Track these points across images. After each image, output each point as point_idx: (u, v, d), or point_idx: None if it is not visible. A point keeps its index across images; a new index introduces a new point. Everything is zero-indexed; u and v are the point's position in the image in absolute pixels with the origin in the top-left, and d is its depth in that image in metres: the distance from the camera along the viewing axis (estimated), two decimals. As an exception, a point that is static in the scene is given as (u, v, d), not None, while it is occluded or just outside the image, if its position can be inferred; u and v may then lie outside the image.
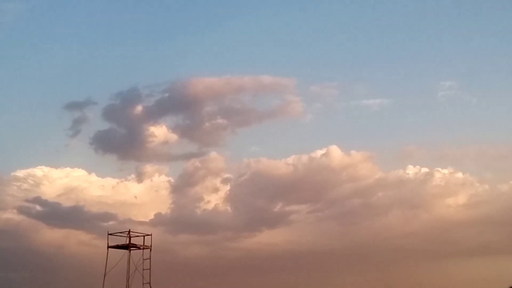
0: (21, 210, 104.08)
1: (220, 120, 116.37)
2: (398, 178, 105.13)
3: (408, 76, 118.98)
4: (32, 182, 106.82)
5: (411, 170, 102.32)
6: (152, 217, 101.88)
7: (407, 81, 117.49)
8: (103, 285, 34.91)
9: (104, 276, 35.02)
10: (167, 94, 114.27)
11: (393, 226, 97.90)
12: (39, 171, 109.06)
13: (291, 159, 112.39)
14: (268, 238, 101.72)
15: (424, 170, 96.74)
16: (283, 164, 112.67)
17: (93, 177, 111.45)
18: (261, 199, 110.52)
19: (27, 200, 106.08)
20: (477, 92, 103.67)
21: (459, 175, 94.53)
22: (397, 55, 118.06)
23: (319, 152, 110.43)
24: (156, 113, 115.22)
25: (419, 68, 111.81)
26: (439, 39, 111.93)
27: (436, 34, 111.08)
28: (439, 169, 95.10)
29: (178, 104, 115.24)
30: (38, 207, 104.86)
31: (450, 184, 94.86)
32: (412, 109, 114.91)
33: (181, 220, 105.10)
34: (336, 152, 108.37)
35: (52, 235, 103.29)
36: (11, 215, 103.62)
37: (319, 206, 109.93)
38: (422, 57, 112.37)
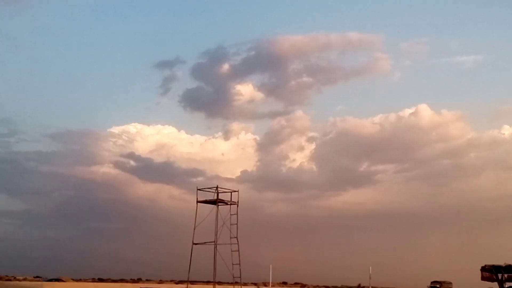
0: (117, 165, 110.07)
1: (305, 78, 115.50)
2: (492, 138, 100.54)
3: (505, 31, 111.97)
4: (126, 138, 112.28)
5: (506, 130, 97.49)
6: (238, 174, 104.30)
7: (503, 36, 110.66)
8: (193, 238, 36.40)
9: (194, 229, 36.45)
10: (253, 52, 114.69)
11: (485, 189, 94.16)
12: (133, 127, 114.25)
13: (378, 118, 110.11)
14: (353, 197, 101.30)
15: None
16: (369, 123, 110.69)
17: (183, 134, 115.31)
18: (346, 158, 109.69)
19: (122, 155, 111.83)
20: None
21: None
22: (493, 8, 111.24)
23: (408, 111, 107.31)
24: (242, 71, 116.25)
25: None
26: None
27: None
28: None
29: (264, 62, 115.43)
30: (132, 162, 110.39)
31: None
32: (508, 66, 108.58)
33: (267, 178, 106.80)
34: (425, 111, 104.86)
35: (145, 189, 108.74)
36: (108, 169, 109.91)
37: (406, 166, 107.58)
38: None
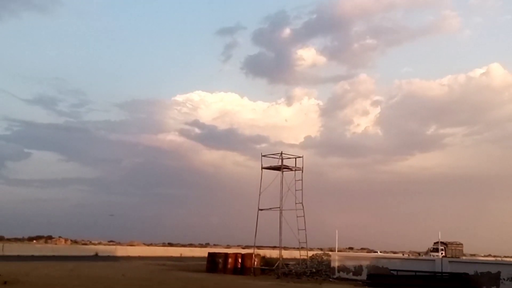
0: (182, 132, 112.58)
1: (369, 40, 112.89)
2: None
3: None
4: (190, 106, 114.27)
5: None
6: (302, 139, 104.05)
7: None
8: (258, 204, 36.53)
9: (259, 195, 36.54)
10: (314, 16, 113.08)
11: None
12: (196, 95, 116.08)
13: (446, 79, 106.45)
14: (420, 162, 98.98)
15: None
16: (437, 85, 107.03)
17: (245, 100, 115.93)
18: (413, 122, 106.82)
19: (186, 123, 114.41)
20: None
21: None
22: None
23: (478, 71, 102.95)
24: (304, 35, 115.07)
25: None
26: None
27: None
28: None
29: (326, 26, 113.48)
30: (196, 130, 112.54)
31: None
32: None
33: (331, 143, 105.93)
34: (498, 71, 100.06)
35: (210, 156, 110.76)
36: (173, 137, 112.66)
37: (477, 128, 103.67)
38: None
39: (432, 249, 52.83)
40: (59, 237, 68.93)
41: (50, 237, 68.43)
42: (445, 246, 52.47)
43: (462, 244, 53.02)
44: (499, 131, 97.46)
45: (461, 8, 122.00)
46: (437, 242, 52.71)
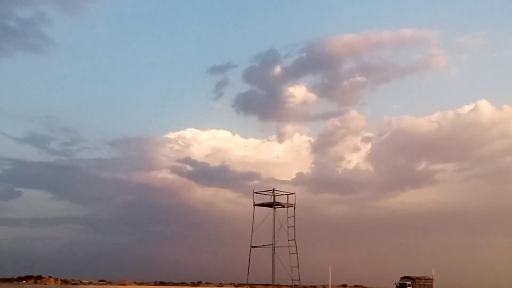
0: (174, 170, 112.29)
1: (359, 78, 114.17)
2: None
3: None
4: (182, 143, 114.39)
5: None
6: (294, 176, 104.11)
7: None
8: (251, 241, 36.58)
9: (252, 232, 36.63)
10: (304, 54, 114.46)
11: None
12: (188, 133, 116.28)
13: (435, 116, 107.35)
14: (412, 198, 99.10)
15: None
16: (426, 122, 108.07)
17: (237, 138, 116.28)
18: (403, 158, 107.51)
19: (178, 161, 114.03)
20: None
21: None
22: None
23: (467, 108, 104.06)
24: (294, 73, 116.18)
25: None
26: None
27: None
28: None
29: (316, 63, 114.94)
30: (188, 167, 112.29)
31: None
32: None
33: (323, 179, 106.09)
34: (485, 107, 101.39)
35: (202, 193, 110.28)
36: (165, 174, 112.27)
37: (466, 164, 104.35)
38: None
39: (398, 284, 51.67)
40: (49, 277, 67.96)
41: (40, 277, 67.47)
42: (412, 281, 51.32)
43: (431, 279, 51.79)
44: (489, 166, 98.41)
45: (448, 47, 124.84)
46: (405, 277, 51.75)
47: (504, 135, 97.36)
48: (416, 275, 52.11)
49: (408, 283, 50.98)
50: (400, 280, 51.99)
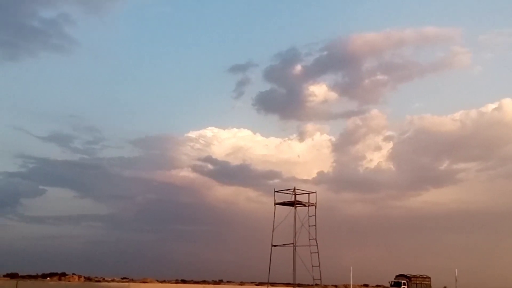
0: (195, 169, 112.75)
1: (380, 76, 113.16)
2: None
3: None
4: (203, 142, 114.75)
5: None
6: (314, 175, 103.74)
7: None
8: (272, 240, 36.61)
9: (272, 231, 36.66)
10: (325, 52, 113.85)
11: None
12: (209, 132, 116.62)
13: (458, 115, 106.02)
14: (434, 197, 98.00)
15: None
16: (449, 120, 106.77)
17: (258, 136, 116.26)
18: (426, 157, 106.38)
19: (199, 159, 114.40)
20: None
21: None
22: None
23: (490, 106, 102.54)
24: (315, 71, 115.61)
25: None
26: None
27: None
28: None
29: (336, 62, 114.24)
30: (209, 166, 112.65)
31: None
32: None
33: (344, 178, 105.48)
34: (510, 106, 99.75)
35: (223, 192, 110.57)
36: (187, 173, 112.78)
37: (490, 163, 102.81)
38: None
39: (393, 283, 49.90)
40: (73, 274, 68.73)
41: (63, 274, 68.26)
42: (407, 280, 49.47)
43: (429, 278, 49.84)
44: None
45: (471, 45, 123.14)
46: (400, 275, 50.03)
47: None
48: (413, 273, 50.31)
49: (403, 281, 49.24)
50: (394, 279, 50.32)
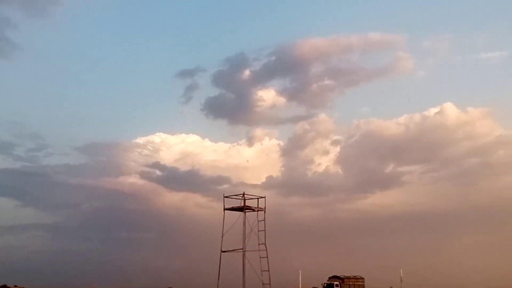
0: (143, 175, 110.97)
1: (327, 81, 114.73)
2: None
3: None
4: (151, 148, 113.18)
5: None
6: (264, 180, 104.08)
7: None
8: (221, 245, 36.43)
9: (222, 236, 36.48)
10: (273, 57, 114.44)
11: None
12: (157, 137, 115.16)
13: (402, 119, 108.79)
14: (380, 200, 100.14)
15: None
16: (394, 124, 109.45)
17: (207, 142, 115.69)
18: (372, 161, 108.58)
19: (147, 165, 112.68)
20: None
21: None
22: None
23: (433, 110, 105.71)
24: (263, 77, 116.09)
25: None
26: None
27: None
28: None
29: (285, 67, 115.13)
30: (158, 172, 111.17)
31: None
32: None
33: (292, 183, 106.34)
34: (451, 110, 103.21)
35: (171, 198, 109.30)
36: (134, 180, 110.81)
37: (433, 166, 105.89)
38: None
39: (326, 284, 50.38)
40: (15, 286, 66.36)
41: (5, 286, 65.81)
42: (340, 281, 50.05)
43: (363, 278, 50.46)
44: (455, 168, 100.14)
45: (415, 50, 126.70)
46: (333, 277, 50.70)
47: (469, 137, 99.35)
48: (347, 274, 50.54)
49: (335, 283, 49.57)
50: (328, 280, 50.66)
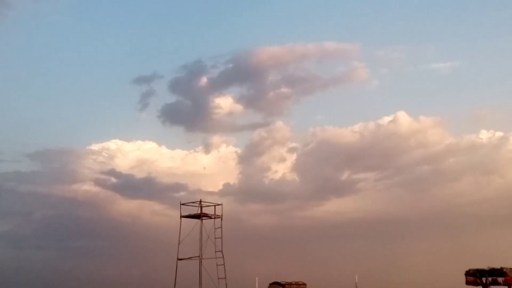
0: (98, 182, 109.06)
1: (284, 89, 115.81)
2: (470, 143, 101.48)
3: (479, 37, 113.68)
4: (106, 155, 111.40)
5: (484, 135, 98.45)
6: (221, 187, 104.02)
7: (477, 42, 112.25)
8: (178, 253, 36.28)
9: (178, 244, 36.35)
10: (231, 65, 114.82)
11: (465, 193, 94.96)
12: (113, 144, 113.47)
13: (357, 127, 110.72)
14: (336, 207, 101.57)
15: (499, 134, 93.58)
16: (349, 132, 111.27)
17: (163, 149, 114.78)
18: (328, 168, 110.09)
19: (102, 173, 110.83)
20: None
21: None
22: (467, 14, 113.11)
23: (386, 119, 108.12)
24: (221, 84, 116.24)
25: (492, 28, 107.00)
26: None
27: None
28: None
29: (242, 75, 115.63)
30: (113, 179, 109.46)
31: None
32: (484, 72, 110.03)
33: (249, 190, 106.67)
34: (404, 118, 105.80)
35: (127, 206, 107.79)
36: (89, 187, 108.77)
37: (387, 173, 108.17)
38: (494, 17, 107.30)
39: None
40: (-38, 297, 64.19)
41: (-49, 298, 63.56)
42: (281, 287, 50.61)
43: (305, 284, 51.05)
44: (408, 175, 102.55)
45: (369, 60, 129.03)
46: (273, 283, 51.22)
47: (421, 145, 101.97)
48: (288, 280, 50.85)
49: None
50: (268, 287, 51.07)
